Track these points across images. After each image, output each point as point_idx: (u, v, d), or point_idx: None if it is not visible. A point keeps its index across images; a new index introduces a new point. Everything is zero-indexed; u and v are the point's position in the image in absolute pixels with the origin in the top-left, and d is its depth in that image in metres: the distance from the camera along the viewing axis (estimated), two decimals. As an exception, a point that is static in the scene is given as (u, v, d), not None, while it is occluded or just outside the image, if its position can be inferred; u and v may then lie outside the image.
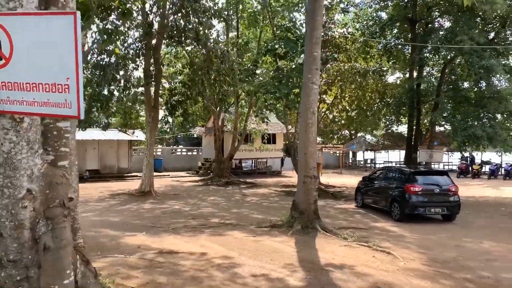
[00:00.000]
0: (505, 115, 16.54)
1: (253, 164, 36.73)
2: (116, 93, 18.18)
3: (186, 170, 33.70)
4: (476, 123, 15.56)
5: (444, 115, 15.90)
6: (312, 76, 11.03)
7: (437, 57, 18.93)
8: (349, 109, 22.80)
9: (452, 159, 40.11)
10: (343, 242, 9.41)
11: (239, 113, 26.76)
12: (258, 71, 22.39)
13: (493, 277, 7.19)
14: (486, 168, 31.63)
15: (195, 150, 37.30)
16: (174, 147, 40.22)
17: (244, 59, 20.98)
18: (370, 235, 10.43)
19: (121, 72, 17.61)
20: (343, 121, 23.74)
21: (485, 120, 15.61)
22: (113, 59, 16.68)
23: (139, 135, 28.87)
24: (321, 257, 7.99)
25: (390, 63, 21.53)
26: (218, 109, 25.68)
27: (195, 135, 39.82)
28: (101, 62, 16.40)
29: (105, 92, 16.66)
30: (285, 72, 18.86)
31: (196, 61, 17.76)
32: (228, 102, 28.25)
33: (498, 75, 14.94)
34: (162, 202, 16.26)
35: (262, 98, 22.74)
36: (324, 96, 23.25)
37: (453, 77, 18.13)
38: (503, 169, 30.26)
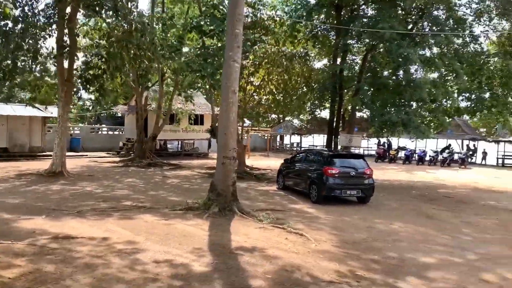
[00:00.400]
0: (419, 103, 17.39)
1: (179, 146, 35.86)
2: (23, 63, 16.48)
3: (107, 151, 32.04)
4: (392, 110, 16.17)
5: (364, 101, 16.34)
6: (233, 54, 10.61)
7: (359, 44, 19.40)
8: (276, 92, 22.79)
9: (372, 145, 42.06)
10: (258, 224, 9.24)
11: (164, 91, 25.72)
12: (185, 49, 21.55)
13: (398, 257, 7.38)
14: (402, 154, 33.55)
15: (118, 130, 35.60)
16: (95, 126, 38.02)
17: (169, 35, 19.99)
18: (286, 217, 10.38)
19: (30, 42, 15.94)
20: (270, 104, 23.68)
21: (401, 107, 16.29)
22: (19, 26, 15.02)
23: (54, 111, 26.75)
24: (233, 240, 7.73)
25: (316, 48, 21.75)
26: (140, 86, 24.45)
27: (119, 114, 37.92)
28: (3, 28, 14.67)
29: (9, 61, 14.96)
30: (211, 50, 18.25)
31: (115, 33, 16.53)
32: (152, 79, 27.05)
33: (414, 64, 15.56)
34: (73, 184, 15.11)
35: (189, 77, 21.99)
36: (251, 78, 22.98)
37: (373, 64, 18.70)
38: (416, 154, 32.25)
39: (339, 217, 10.86)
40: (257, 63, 20.88)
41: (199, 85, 23.61)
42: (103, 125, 38.25)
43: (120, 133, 34.71)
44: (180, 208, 10.61)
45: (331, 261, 6.85)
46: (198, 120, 30.93)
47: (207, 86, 21.25)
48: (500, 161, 33.81)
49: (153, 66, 22.37)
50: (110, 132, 36.16)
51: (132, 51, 17.15)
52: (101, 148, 32.31)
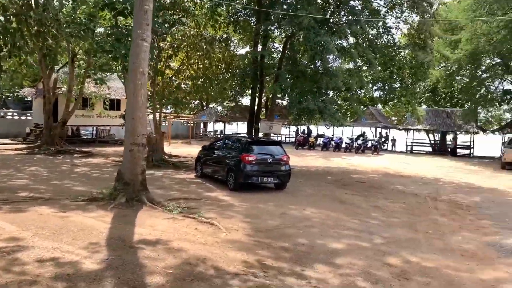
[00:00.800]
0: (335, 92, 17.77)
1: (94, 132, 33.79)
2: None
3: (12, 137, 29.31)
4: (310, 98, 16.32)
5: (283, 88, 16.33)
6: (142, 32, 9.85)
7: (280, 30, 19.34)
8: (195, 77, 22.07)
9: (292, 132, 42.82)
10: (168, 215, 8.70)
11: (76, 74, 23.83)
12: (99, 30, 20.02)
13: (309, 243, 7.29)
14: (321, 141, 34.55)
15: (26, 115, 32.65)
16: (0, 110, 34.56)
17: (79, 12, 18.37)
18: (200, 205, 9.95)
19: None
20: (189, 89, 22.92)
21: (318, 95, 16.51)
22: None
23: None
24: (137, 233, 7.14)
25: (237, 33, 21.37)
26: (48, 67, 22.39)
27: (29, 98, 34.74)
28: None
29: None
30: (124, 30, 17.08)
31: (12, 6, 14.75)
32: (62, 60, 24.94)
33: (331, 53, 15.78)
34: (-39, 174, 13.39)
35: (103, 59, 20.51)
36: (170, 61, 22.04)
37: (292, 51, 18.74)
38: (333, 142, 33.40)
39: (255, 204, 10.67)
40: (175, 46, 19.99)
41: (114, 67, 22.10)
42: (10, 109, 34.89)
43: (29, 117, 31.85)
44: (83, 198, 9.72)
45: (240, 251, 6.56)
46: (114, 105, 29.25)
47: (120, 68, 19.96)
48: (409, 148, 36.22)
49: (61, 46, 20.54)
50: (17, 117, 33.09)
51: (34, 28, 15.48)
52: (7, 134, 29.55)
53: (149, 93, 19.04)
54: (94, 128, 33.01)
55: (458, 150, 35.16)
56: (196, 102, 46.99)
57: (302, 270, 5.89)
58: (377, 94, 29.57)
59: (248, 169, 12.42)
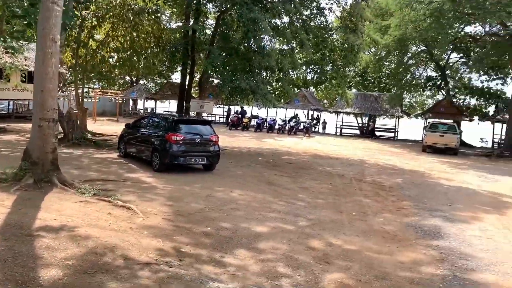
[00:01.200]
0: (268, 71, 17.49)
1: (11, 107, 30.95)
2: None
3: None
4: (242, 76, 15.90)
5: (214, 65, 15.73)
6: (53, -6, 8.77)
7: (213, 5, 18.61)
8: (121, 50, 20.69)
9: (226, 112, 42.03)
10: (80, 197, 7.93)
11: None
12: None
13: (232, 227, 6.96)
14: (255, 122, 34.43)
15: None
16: None
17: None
18: (119, 188, 9.25)
19: None
20: (115, 62, 21.50)
21: (250, 74, 16.13)
22: None
23: None
24: (39, 219, 6.37)
25: (167, 5, 20.24)
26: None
27: None
28: None
29: None
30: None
31: None
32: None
33: (264, 31, 15.40)
34: None
35: (18, 25, 18.50)
36: (94, 32, 20.44)
37: (225, 27, 18.13)
38: (267, 123, 33.45)
39: (180, 186, 10.14)
40: (100, 15, 18.53)
41: (30, 35, 20.10)
42: None
43: None
44: (-19, 180, 8.61)
45: (156, 237, 6.06)
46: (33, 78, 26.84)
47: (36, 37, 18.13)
48: (338, 130, 37.28)
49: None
50: None
51: None
52: None
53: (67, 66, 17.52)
54: (11, 102, 30.21)
55: (383, 134, 36.80)
56: (127, 78, 44.77)
57: (222, 257, 5.54)
58: (310, 76, 30.00)
59: (174, 149, 11.81)
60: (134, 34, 20.02)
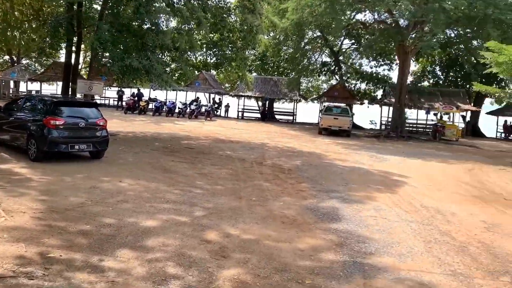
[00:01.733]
0: (163, 50, 16.38)
1: None
2: None
3: None
4: (134, 55, 14.64)
5: (102, 42, 14.19)
6: None
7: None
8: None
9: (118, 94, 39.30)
10: None
11: None
12: None
13: (116, 223, 6.12)
14: (153, 105, 32.78)
15: None
16: None
17: None
18: (-19, 182, 7.78)
19: None
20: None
21: (143, 52, 14.92)
22: None
23: None
24: None
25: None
26: None
27: None
28: None
29: None
30: None
31: None
32: None
33: (156, 6, 14.26)
34: None
35: None
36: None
37: (115, 2, 16.48)
38: (166, 106, 32.06)
39: (59, 177, 8.89)
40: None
41: None
42: None
43: None
44: None
45: (18, 242, 5.02)
46: None
47: None
48: (240, 114, 37.22)
49: None
50: None
51: None
52: None
53: None
54: None
55: (283, 117, 37.64)
56: (6, 57, 39.78)
57: (100, 260, 4.74)
58: (210, 59, 29.19)
59: (54, 135, 10.38)
60: (8, 5, 17.37)
